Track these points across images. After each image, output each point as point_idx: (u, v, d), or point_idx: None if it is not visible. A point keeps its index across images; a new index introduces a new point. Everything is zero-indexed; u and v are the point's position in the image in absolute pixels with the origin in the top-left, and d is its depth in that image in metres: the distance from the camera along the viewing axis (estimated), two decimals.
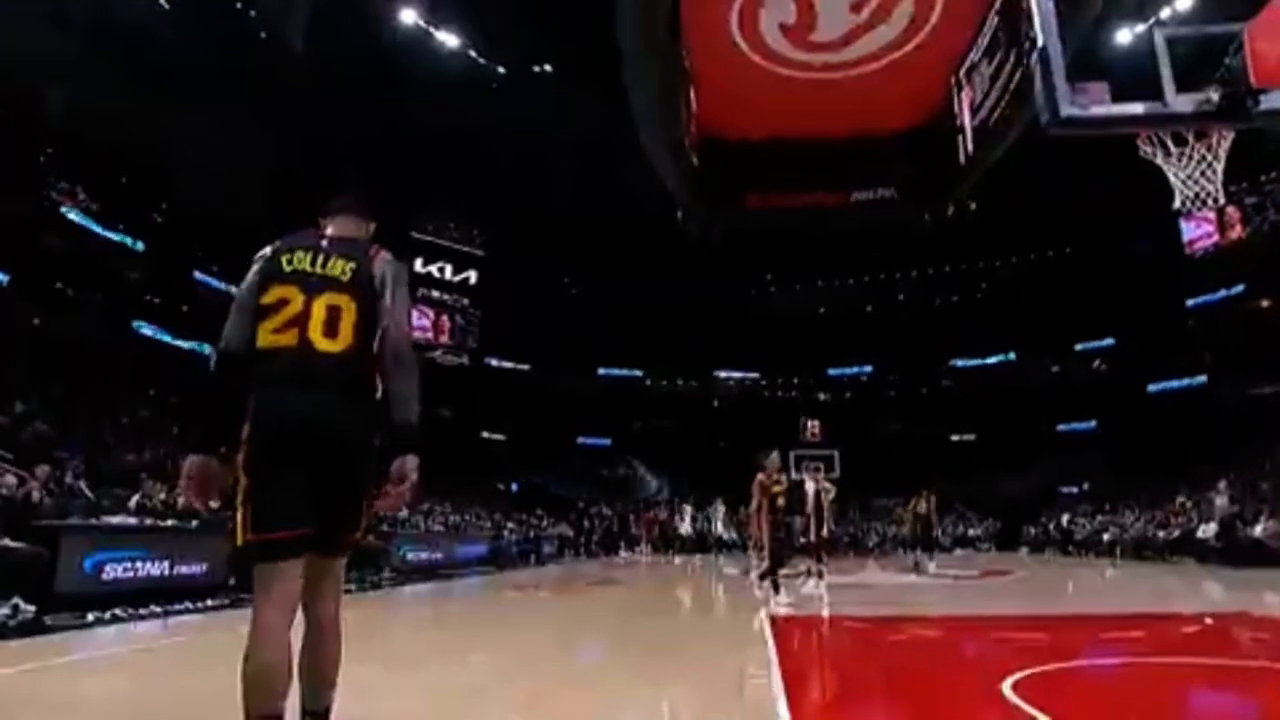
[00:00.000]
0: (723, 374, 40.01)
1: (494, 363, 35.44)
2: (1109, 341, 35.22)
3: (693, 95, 10.22)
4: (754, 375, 40.18)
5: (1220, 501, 18.29)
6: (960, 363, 38.53)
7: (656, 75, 9.18)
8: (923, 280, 38.73)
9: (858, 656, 6.27)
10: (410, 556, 15.41)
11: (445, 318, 33.69)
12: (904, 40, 10.11)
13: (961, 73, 10.35)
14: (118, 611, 7.63)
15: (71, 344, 18.26)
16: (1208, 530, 18.19)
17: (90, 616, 7.25)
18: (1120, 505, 25.35)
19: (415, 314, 32.77)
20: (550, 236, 32.35)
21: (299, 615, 2.49)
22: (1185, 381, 31.51)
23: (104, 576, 8.19)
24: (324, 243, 2.66)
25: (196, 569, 9.33)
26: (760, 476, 9.25)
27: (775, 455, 9.50)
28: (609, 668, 5.58)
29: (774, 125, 10.75)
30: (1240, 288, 29.78)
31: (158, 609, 7.93)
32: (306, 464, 2.41)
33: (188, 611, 8.04)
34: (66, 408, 15.20)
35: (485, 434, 34.10)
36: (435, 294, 33.58)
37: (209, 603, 8.57)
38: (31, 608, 6.94)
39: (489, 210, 31.75)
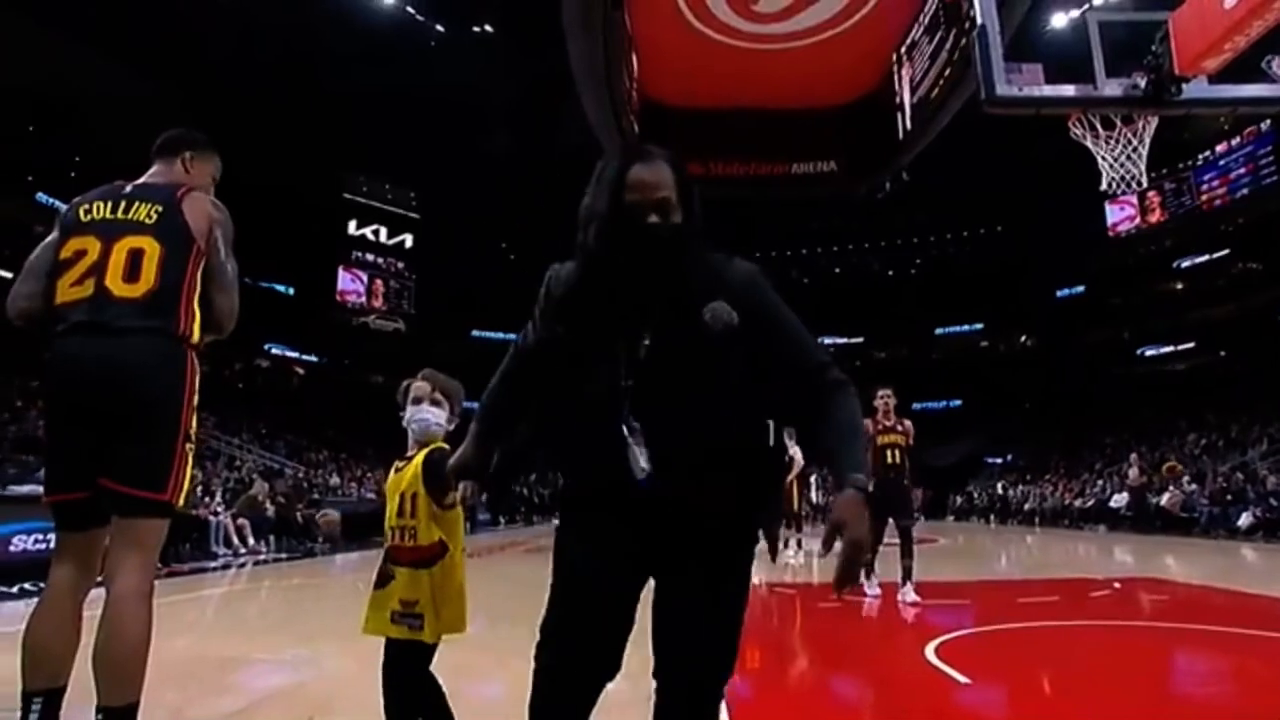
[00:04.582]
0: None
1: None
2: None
3: (635, 61, 10.09)
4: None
5: (1132, 473, 19.21)
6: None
7: (600, 39, 9.02)
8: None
9: (789, 622, 6.41)
10: None
11: (379, 282, 32.69)
12: (846, 15, 10.13)
13: (902, 49, 10.43)
14: (26, 585, 7.30)
15: None
16: (1120, 500, 19.15)
17: None
18: (1041, 476, 26.43)
19: (349, 278, 31.93)
20: (488, 200, 31.62)
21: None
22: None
23: (11, 548, 7.83)
24: (127, 189, 2.49)
25: None
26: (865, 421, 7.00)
27: (885, 393, 7.34)
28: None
29: (716, 94, 10.69)
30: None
31: None
32: (95, 416, 2.23)
33: (99, 585, 7.74)
34: None
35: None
36: (369, 257, 32.55)
37: None
38: None
39: (426, 173, 30.88)
